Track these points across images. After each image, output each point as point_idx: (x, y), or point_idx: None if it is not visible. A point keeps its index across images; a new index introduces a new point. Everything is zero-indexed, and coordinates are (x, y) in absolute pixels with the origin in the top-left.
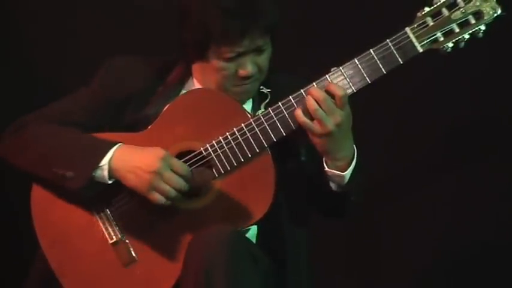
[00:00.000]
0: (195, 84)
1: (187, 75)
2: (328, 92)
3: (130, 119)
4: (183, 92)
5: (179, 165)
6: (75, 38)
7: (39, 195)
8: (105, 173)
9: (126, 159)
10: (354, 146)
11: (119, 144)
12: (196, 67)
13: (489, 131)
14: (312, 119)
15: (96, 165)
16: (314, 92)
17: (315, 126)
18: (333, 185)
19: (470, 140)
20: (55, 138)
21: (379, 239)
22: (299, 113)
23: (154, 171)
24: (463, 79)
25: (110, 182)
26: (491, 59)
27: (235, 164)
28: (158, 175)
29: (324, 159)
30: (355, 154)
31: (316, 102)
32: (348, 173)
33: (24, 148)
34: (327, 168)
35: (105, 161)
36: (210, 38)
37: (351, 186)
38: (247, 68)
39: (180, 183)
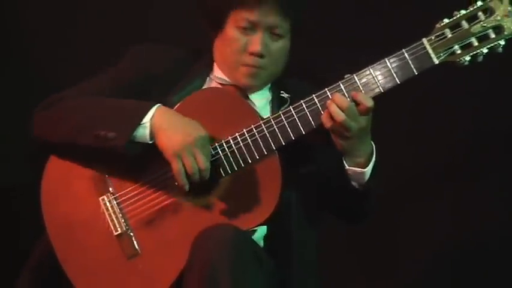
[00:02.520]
0: (215, 68)
1: (210, 64)
2: (355, 101)
3: None
4: (210, 77)
5: (206, 151)
6: (77, 38)
7: (49, 184)
8: (147, 131)
9: (168, 118)
10: (372, 142)
11: (159, 104)
12: (216, 46)
13: (496, 133)
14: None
15: (138, 122)
16: (338, 99)
17: (340, 129)
18: (354, 184)
19: (475, 142)
20: (93, 104)
21: (388, 242)
22: (327, 118)
23: (193, 139)
24: (473, 84)
25: (151, 142)
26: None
27: (242, 165)
28: (192, 145)
29: (343, 158)
30: (374, 150)
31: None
32: (368, 170)
33: (62, 118)
34: (347, 167)
35: (147, 119)
36: (228, 3)
37: (372, 183)
38: (257, 43)
39: (205, 164)
